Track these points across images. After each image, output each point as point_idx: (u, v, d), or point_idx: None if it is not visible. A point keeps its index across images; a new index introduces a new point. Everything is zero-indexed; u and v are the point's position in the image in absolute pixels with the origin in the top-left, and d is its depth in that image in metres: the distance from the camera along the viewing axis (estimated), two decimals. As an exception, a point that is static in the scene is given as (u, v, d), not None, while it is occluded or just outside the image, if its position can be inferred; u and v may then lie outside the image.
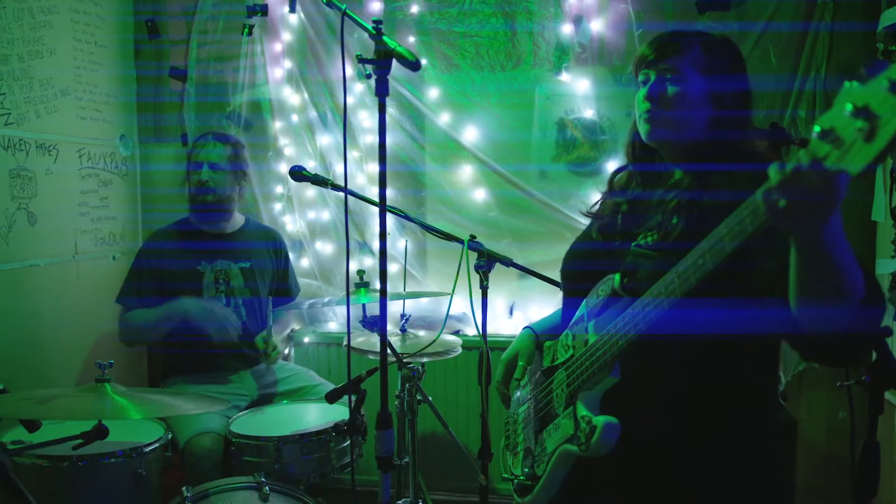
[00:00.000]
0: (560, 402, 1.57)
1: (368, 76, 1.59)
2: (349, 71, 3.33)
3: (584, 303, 1.59)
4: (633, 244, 1.56)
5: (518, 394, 1.84)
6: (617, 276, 1.49)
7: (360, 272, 2.54)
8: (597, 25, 3.21)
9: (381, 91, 1.58)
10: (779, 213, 1.05)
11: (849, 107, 0.89)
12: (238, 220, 3.13)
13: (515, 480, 1.69)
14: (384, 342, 1.63)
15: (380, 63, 1.56)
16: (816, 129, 0.94)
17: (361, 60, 1.59)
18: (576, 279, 1.70)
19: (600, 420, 1.40)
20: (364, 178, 3.43)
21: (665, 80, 1.54)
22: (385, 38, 1.56)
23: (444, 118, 3.35)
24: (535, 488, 1.59)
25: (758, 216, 1.09)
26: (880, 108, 0.86)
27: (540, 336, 1.84)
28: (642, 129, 1.59)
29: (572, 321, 1.63)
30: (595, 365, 1.46)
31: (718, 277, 1.21)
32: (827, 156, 0.94)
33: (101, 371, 1.96)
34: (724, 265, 1.19)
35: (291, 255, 3.38)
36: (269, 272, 3.12)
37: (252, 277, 3.03)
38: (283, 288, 3.20)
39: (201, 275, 2.95)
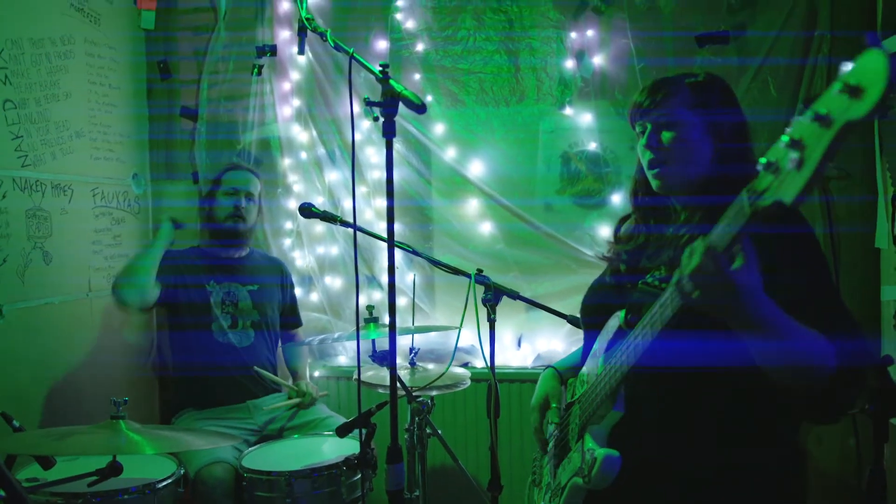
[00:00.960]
0: (574, 437, 1.59)
1: (376, 119, 1.64)
2: (356, 109, 3.39)
3: (598, 339, 1.62)
4: (640, 281, 1.59)
5: (547, 429, 1.86)
6: (622, 312, 1.52)
7: (370, 307, 2.57)
8: (598, 60, 3.28)
9: (389, 131, 1.63)
10: (695, 300, 1.19)
11: (785, 139, 0.95)
12: (252, 244, 3.27)
13: None
14: (394, 376, 1.66)
15: (387, 106, 1.61)
16: (762, 161, 0.99)
17: (369, 103, 1.64)
18: (594, 313, 1.72)
19: (601, 452, 1.41)
20: (372, 213, 3.48)
21: (661, 128, 1.58)
22: (391, 81, 1.61)
23: (449, 153, 3.41)
24: None
25: (741, 218, 1.10)
26: (808, 138, 0.92)
27: (563, 374, 1.85)
28: (653, 183, 1.62)
29: (589, 356, 1.65)
30: (599, 397, 1.48)
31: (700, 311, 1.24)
32: (767, 188, 0.98)
33: (116, 408, 2.00)
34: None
35: (300, 291, 3.44)
36: (276, 296, 3.21)
37: (260, 300, 3.11)
38: (291, 313, 3.30)
39: (209, 293, 3.03)
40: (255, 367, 2.98)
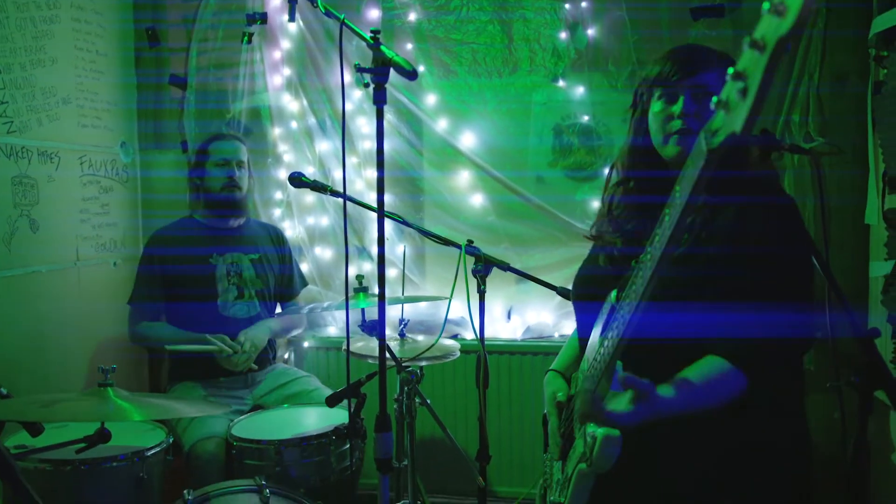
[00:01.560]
0: (577, 425, 1.55)
1: (367, 85, 1.62)
2: (347, 78, 3.36)
3: (595, 324, 1.59)
4: (633, 260, 1.57)
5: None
6: (614, 291, 1.50)
7: (359, 277, 2.56)
8: (592, 32, 3.25)
9: (379, 99, 1.62)
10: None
11: (731, 71, 0.96)
12: (251, 211, 3.25)
13: None
14: (383, 346, 1.66)
15: (377, 72, 1.59)
16: (714, 100, 1.00)
17: (360, 70, 1.63)
18: (586, 286, 1.71)
19: (600, 432, 1.35)
20: (363, 183, 3.46)
21: (700, 98, 1.54)
22: (383, 47, 1.60)
23: (441, 124, 3.38)
24: None
25: (699, 159, 1.09)
26: (749, 66, 0.93)
27: (564, 372, 1.81)
28: (672, 150, 1.57)
29: (587, 348, 1.63)
30: (595, 378, 1.44)
31: (682, 282, 1.23)
32: (721, 125, 1.00)
33: (104, 375, 1.99)
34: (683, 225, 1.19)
35: (291, 260, 3.42)
36: (276, 263, 3.19)
37: (262, 267, 3.10)
38: (286, 281, 3.23)
39: (214, 268, 3.00)
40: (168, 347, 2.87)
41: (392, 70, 1.59)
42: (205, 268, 3.00)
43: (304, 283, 3.34)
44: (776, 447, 1.50)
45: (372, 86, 1.60)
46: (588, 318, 1.60)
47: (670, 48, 1.65)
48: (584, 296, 1.66)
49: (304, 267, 3.52)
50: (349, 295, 2.05)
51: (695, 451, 1.45)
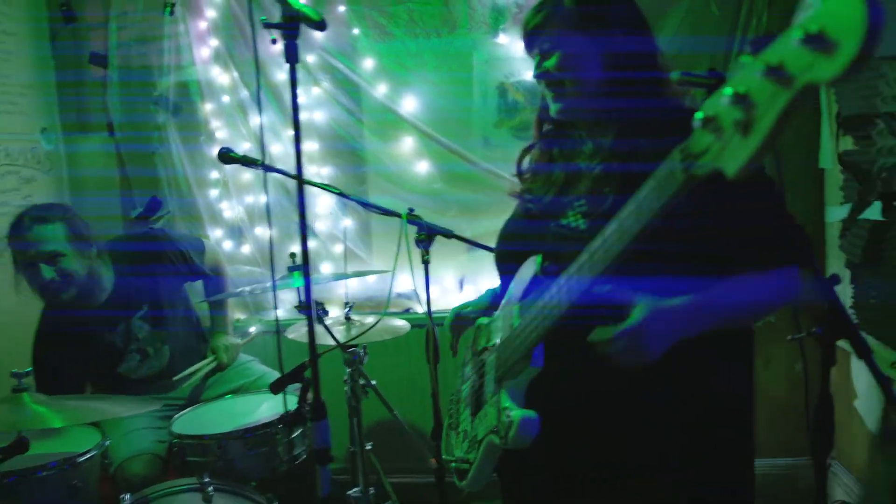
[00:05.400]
0: (490, 388, 1.50)
1: (274, 42, 1.47)
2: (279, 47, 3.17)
3: (511, 284, 1.51)
4: (552, 223, 1.46)
5: (463, 370, 1.76)
6: (538, 258, 1.41)
7: (292, 255, 2.40)
8: (532, -16, 3.10)
9: (292, 57, 1.46)
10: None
11: (728, 91, 0.76)
12: (107, 279, 2.60)
13: (453, 463, 1.61)
14: (312, 326, 1.53)
15: (285, 27, 1.44)
16: (699, 115, 0.82)
17: (266, 25, 1.48)
18: (506, 259, 1.61)
19: (517, 415, 1.33)
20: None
21: (546, 53, 1.46)
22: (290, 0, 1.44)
23: (380, 89, 3.22)
24: (468, 473, 1.52)
25: (672, 184, 0.94)
26: (757, 95, 0.73)
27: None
28: (552, 108, 1.49)
29: (504, 301, 1.55)
30: (517, 353, 1.38)
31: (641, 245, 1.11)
32: (705, 151, 0.82)
33: (18, 381, 1.83)
34: (648, 231, 1.04)
35: (231, 243, 3.27)
36: (176, 292, 2.81)
37: (155, 317, 2.70)
38: (192, 275, 2.86)
39: (118, 350, 2.64)
40: (173, 379, 2.67)
41: (304, 24, 1.44)
42: (111, 355, 2.63)
43: (201, 247, 2.85)
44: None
45: (281, 42, 1.45)
46: (509, 279, 1.52)
47: None
48: (509, 271, 1.55)
49: (246, 249, 3.37)
50: (284, 274, 1.91)
51: (606, 419, 1.36)
